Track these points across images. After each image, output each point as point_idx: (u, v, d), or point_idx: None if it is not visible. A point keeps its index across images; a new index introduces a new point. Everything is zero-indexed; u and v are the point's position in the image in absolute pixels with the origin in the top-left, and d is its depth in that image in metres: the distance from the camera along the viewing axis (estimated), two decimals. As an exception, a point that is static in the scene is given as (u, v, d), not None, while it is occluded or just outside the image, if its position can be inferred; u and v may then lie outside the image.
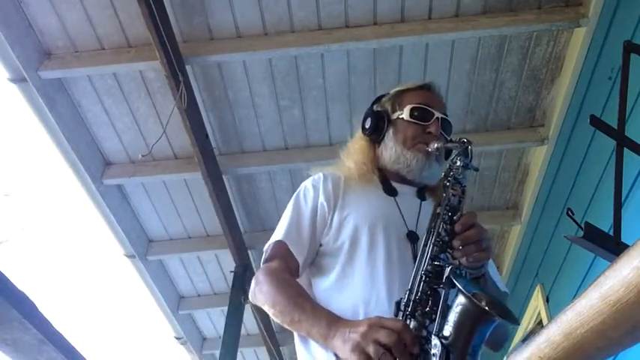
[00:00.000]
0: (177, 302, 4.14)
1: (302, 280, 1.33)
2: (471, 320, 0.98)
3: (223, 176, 3.14)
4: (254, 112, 2.99)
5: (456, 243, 1.14)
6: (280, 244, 1.32)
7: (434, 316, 1.04)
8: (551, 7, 2.56)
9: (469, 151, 1.29)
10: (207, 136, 2.91)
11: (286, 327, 1.22)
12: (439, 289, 1.08)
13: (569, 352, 0.70)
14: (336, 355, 1.10)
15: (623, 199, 1.76)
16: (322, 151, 3.08)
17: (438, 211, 1.20)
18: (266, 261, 1.33)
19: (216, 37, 2.67)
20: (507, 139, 3.08)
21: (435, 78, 2.78)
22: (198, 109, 2.82)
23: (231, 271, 3.53)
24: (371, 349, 1.00)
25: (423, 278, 1.10)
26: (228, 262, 3.65)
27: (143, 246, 3.62)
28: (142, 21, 2.39)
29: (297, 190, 1.44)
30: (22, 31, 2.54)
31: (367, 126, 1.49)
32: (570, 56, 2.67)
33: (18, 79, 2.60)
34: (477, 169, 1.30)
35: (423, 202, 1.39)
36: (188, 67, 2.67)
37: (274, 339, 4.03)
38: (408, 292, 1.10)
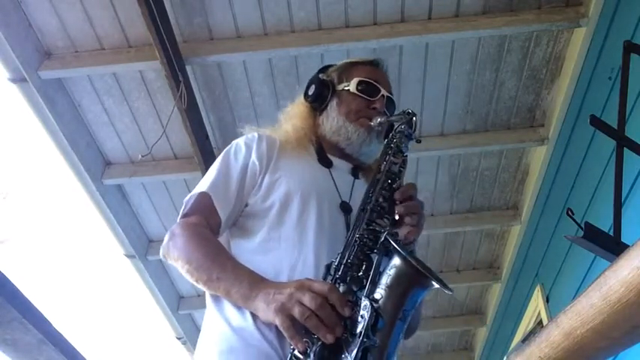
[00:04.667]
0: (177, 302, 4.14)
1: (221, 241, 1.24)
2: (405, 283, 0.95)
3: (223, 176, 3.14)
4: (254, 112, 2.99)
5: (399, 209, 1.11)
6: (204, 196, 1.24)
7: (365, 282, 0.99)
8: (551, 7, 2.55)
9: (413, 122, 1.26)
10: (207, 136, 2.91)
11: (200, 286, 1.14)
12: (372, 255, 1.04)
13: (569, 352, 0.70)
14: (253, 315, 1.05)
15: (623, 199, 1.76)
16: (322, 151, 3.07)
17: (378, 177, 1.17)
18: (185, 215, 1.24)
19: (216, 37, 2.67)
20: (507, 139, 3.08)
21: (435, 78, 2.83)
22: (198, 109, 2.81)
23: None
24: (296, 311, 0.95)
25: (357, 242, 1.05)
26: (228, 262, 3.65)
27: (143, 246, 3.61)
28: (142, 21, 2.39)
29: (228, 147, 1.37)
30: (22, 31, 2.54)
31: (310, 93, 1.46)
32: (570, 56, 2.67)
33: (18, 79, 2.60)
34: (419, 141, 1.27)
35: (356, 180, 1.35)
36: (188, 67, 2.67)
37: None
38: (339, 256, 1.05)
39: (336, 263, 1.04)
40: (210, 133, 2.96)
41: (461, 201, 3.44)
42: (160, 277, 3.86)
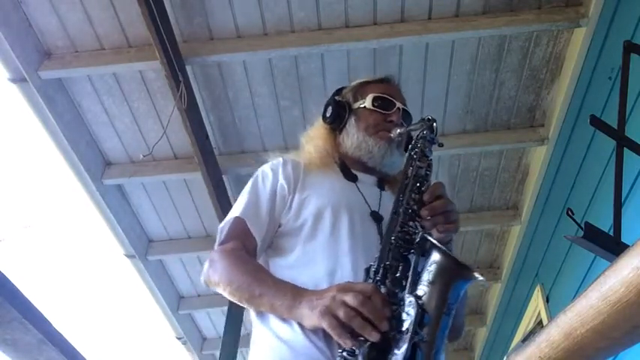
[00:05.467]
0: (177, 302, 4.14)
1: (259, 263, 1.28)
2: (447, 277, 0.96)
3: (223, 176, 3.14)
4: (254, 112, 2.99)
5: (424, 212, 1.13)
6: (238, 221, 1.27)
7: (404, 282, 1.01)
8: (551, 7, 2.56)
9: (434, 127, 1.29)
10: (207, 136, 2.91)
11: (245, 305, 1.16)
12: (409, 256, 1.06)
13: (569, 352, 0.70)
14: (300, 325, 1.07)
15: (623, 199, 1.76)
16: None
17: (406, 182, 1.19)
18: (222, 242, 1.27)
19: (216, 37, 2.67)
20: (507, 139, 3.08)
21: (435, 78, 2.83)
22: (198, 109, 2.82)
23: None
24: (341, 312, 0.96)
25: (393, 244, 1.07)
26: (228, 262, 3.65)
27: (143, 246, 3.62)
28: (142, 21, 2.39)
29: (255, 174, 1.40)
30: (22, 31, 2.54)
31: (328, 114, 1.49)
32: (570, 56, 2.67)
33: (18, 79, 2.60)
34: (441, 144, 1.29)
35: (382, 192, 1.38)
36: (188, 67, 2.67)
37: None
38: (377, 259, 1.07)
39: (375, 266, 1.06)
40: (210, 133, 2.96)
41: (461, 201, 3.43)
42: (160, 277, 3.86)
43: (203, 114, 2.88)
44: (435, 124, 1.29)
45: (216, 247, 1.28)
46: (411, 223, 1.12)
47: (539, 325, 3.18)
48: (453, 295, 0.97)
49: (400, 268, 1.04)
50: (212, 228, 3.57)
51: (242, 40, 2.67)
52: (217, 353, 3.82)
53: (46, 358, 1.12)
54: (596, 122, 1.29)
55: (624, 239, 1.16)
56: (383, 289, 1.02)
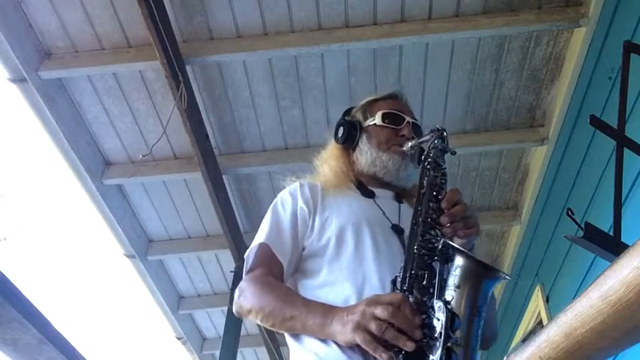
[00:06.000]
0: (177, 302, 4.14)
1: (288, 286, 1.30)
2: (473, 279, 0.98)
3: (223, 176, 3.14)
4: (254, 112, 2.99)
5: (443, 220, 1.15)
6: (263, 247, 1.30)
7: (431, 290, 1.03)
8: (551, 7, 2.56)
9: (444, 137, 1.31)
10: (207, 136, 2.91)
11: (277, 329, 1.18)
12: (433, 264, 1.07)
13: (569, 352, 0.70)
14: (335, 343, 1.08)
15: (623, 199, 1.76)
16: (322, 151, 3.08)
17: (423, 192, 1.21)
18: (249, 270, 1.29)
19: (216, 37, 2.67)
20: (507, 139, 3.08)
21: (435, 78, 2.83)
22: (198, 109, 2.81)
23: (231, 271, 3.53)
24: (372, 326, 0.98)
25: (417, 253, 1.09)
26: (228, 262, 3.65)
27: (143, 246, 3.62)
28: (142, 21, 2.39)
29: (274, 201, 1.43)
30: (22, 31, 2.54)
31: (340, 135, 1.52)
32: (570, 56, 2.67)
33: (18, 79, 2.60)
34: (454, 153, 1.31)
35: (401, 205, 1.40)
36: (188, 67, 2.67)
37: (274, 339, 4.02)
38: (402, 270, 1.08)
39: (400, 277, 1.08)
40: (210, 133, 2.96)
41: (461, 201, 3.43)
42: (160, 277, 3.86)
43: (203, 114, 2.88)
44: (444, 132, 1.31)
45: (244, 275, 1.30)
46: (431, 232, 1.13)
47: (539, 325, 3.17)
48: (481, 296, 0.98)
49: (426, 276, 1.05)
50: (212, 228, 3.57)
51: (242, 40, 2.67)
52: (217, 353, 3.82)
53: (46, 358, 1.12)
54: (596, 122, 1.29)
55: (624, 239, 1.16)
56: (411, 298, 1.03)
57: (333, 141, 1.55)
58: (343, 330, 1.03)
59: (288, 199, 1.39)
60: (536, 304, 3.14)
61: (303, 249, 1.32)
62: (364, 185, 1.43)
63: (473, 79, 2.87)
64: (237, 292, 1.27)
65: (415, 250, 1.09)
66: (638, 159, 1.29)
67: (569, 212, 1.22)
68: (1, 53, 2.51)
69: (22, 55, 2.52)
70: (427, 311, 0.99)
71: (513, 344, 3.60)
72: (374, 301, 1.02)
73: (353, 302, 1.13)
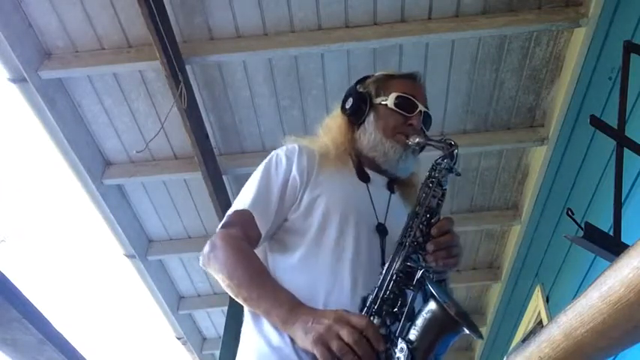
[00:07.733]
0: (177, 302, 4.14)
1: (258, 252, 1.27)
2: (439, 328, 0.99)
3: (223, 176, 3.14)
4: (254, 113, 2.99)
5: (429, 247, 1.14)
6: (245, 213, 1.26)
7: (400, 317, 1.03)
8: (551, 7, 2.56)
9: (455, 154, 1.28)
10: (207, 136, 2.91)
11: (240, 302, 1.17)
12: (407, 291, 1.07)
13: (569, 352, 0.70)
14: (291, 338, 1.08)
15: (623, 199, 1.76)
16: (322, 151, 3.08)
17: (417, 210, 1.20)
18: (225, 226, 1.26)
19: (216, 37, 2.67)
20: (507, 139, 3.08)
21: (435, 78, 2.83)
22: (198, 109, 2.82)
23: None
24: (334, 345, 0.98)
25: (394, 277, 1.08)
26: (228, 262, 3.64)
27: (143, 246, 3.62)
28: (142, 21, 2.39)
29: (269, 156, 1.38)
30: (22, 31, 2.54)
31: (348, 106, 1.47)
32: (570, 56, 2.67)
33: (18, 79, 2.60)
34: (459, 174, 1.29)
35: (392, 195, 1.38)
36: (188, 67, 2.67)
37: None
38: (376, 289, 1.08)
39: (372, 296, 1.07)
40: (210, 133, 2.96)
41: (461, 201, 3.44)
42: (160, 277, 3.86)
43: (203, 114, 2.88)
44: (456, 150, 1.28)
45: (218, 229, 1.27)
46: (413, 256, 1.13)
47: (539, 325, 3.17)
48: (442, 346, 1.00)
49: (398, 302, 1.06)
50: (212, 228, 3.56)
51: (242, 40, 2.67)
52: (217, 353, 3.83)
53: (46, 358, 1.12)
54: (596, 122, 1.29)
55: (624, 239, 1.16)
56: (376, 321, 1.03)
57: (339, 109, 1.51)
58: (304, 337, 1.03)
59: (283, 161, 1.35)
60: (536, 304, 3.14)
61: (286, 220, 1.29)
62: (362, 168, 1.40)
63: (473, 79, 2.87)
64: (208, 244, 1.24)
65: (393, 273, 1.09)
66: (638, 159, 1.29)
67: (569, 212, 1.22)
68: (1, 53, 2.51)
69: (22, 55, 2.52)
70: (389, 344, 1.00)
71: (513, 344, 3.60)
72: (342, 319, 1.01)
73: (320, 301, 1.12)
